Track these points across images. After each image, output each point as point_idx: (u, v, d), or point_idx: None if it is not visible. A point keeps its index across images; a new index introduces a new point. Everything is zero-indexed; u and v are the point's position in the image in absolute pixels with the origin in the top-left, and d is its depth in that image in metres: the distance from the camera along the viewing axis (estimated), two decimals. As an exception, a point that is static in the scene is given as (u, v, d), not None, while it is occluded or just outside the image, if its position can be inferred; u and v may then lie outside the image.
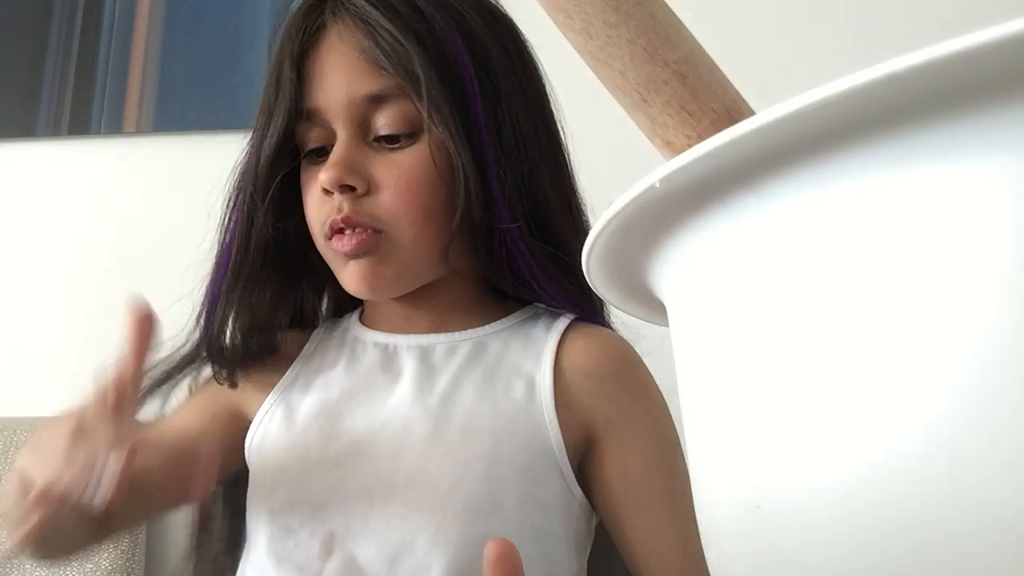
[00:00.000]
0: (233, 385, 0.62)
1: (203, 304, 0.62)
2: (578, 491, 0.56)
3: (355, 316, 0.65)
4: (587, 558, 0.59)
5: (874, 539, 0.18)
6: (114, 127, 1.31)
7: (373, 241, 0.55)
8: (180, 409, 0.64)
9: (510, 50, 0.60)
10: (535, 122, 0.59)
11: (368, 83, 0.55)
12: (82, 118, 1.32)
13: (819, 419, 0.19)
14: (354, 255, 0.56)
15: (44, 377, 1.25)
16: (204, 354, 0.62)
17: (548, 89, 0.63)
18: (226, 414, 0.62)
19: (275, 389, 0.62)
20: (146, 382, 0.60)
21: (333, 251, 0.57)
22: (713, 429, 0.23)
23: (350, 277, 0.57)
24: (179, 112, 1.31)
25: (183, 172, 1.29)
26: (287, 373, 0.63)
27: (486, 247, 0.57)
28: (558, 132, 0.62)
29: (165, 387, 0.62)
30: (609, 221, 0.24)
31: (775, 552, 0.21)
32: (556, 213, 0.58)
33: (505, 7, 0.63)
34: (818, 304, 0.19)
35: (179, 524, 1.20)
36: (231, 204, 0.62)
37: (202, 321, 0.62)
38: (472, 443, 0.54)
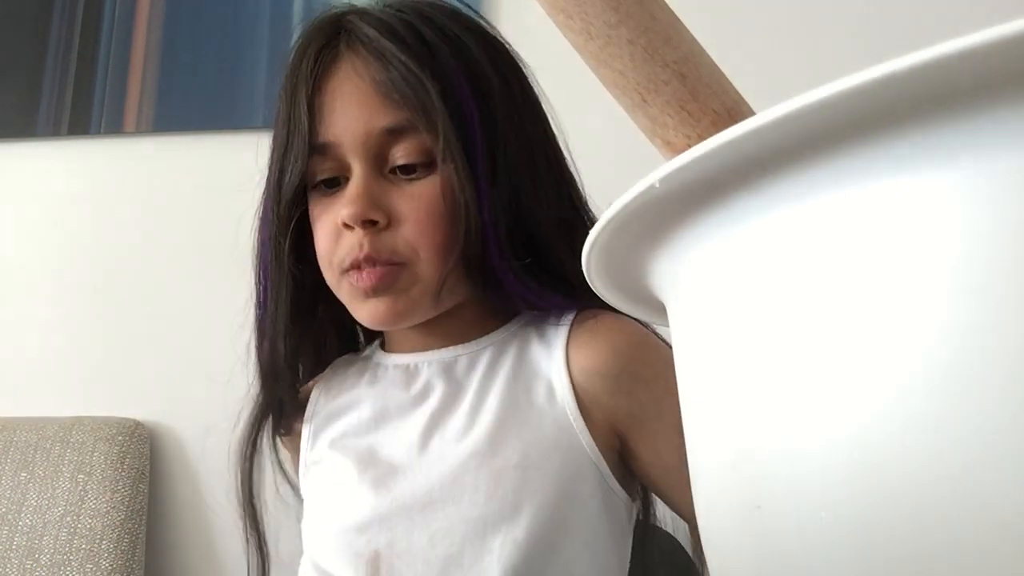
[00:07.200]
0: (289, 431, 0.64)
1: (254, 344, 0.63)
2: (616, 485, 0.57)
3: (376, 345, 0.66)
4: (629, 548, 0.60)
5: (874, 541, 0.18)
6: (114, 127, 1.32)
7: (393, 276, 0.55)
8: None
9: (509, 77, 0.59)
10: (531, 148, 0.59)
11: (384, 116, 0.55)
12: (82, 118, 1.32)
13: (819, 420, 0.19)
14: (373, 293, 0.56)
15: (43, 377, 1.25)
16: (261, 395, 0.63)
17: (547, 108, 0.63)
18: None
19: (305, 421, 0.64)
20: (242, 455, 0.64)
21: (350, 286, 0.57)
22: (712, 430, 0.23)
23: (367, 314, 0.57)
24: (179, 112, 1.31)
25: (183, 172, 1.29)
26: (310, 403, 0.64)
27: (481, 276, 0.57)
28: (555, 153, 0.62)
29: (255, 451, 0.65)
30: (609, 221, 0.24)
31: (775, 553, 0.21)
32: (551, 236, 0.58)
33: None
34: (818, 305, 0.19)
35: (179, 524, 1.20)
36: (259, 245, 0.62)
37: (256, 361, 0.63)
38: (502, 453, 0.54)
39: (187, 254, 1.25)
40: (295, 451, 0.65)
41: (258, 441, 0.64)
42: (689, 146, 0.22)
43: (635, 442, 0.57)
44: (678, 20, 0.27)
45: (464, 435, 0.56)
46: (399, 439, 0.58)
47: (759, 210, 0.21)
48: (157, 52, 1.33)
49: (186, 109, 1.31)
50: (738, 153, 0.19)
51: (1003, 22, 0.15)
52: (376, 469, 0.57)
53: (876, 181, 0.18)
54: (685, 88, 0.26)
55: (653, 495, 0.64)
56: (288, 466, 0.67)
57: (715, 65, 0.27)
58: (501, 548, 0.52)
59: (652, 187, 0.21)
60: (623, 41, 0.26)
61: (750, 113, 0.26)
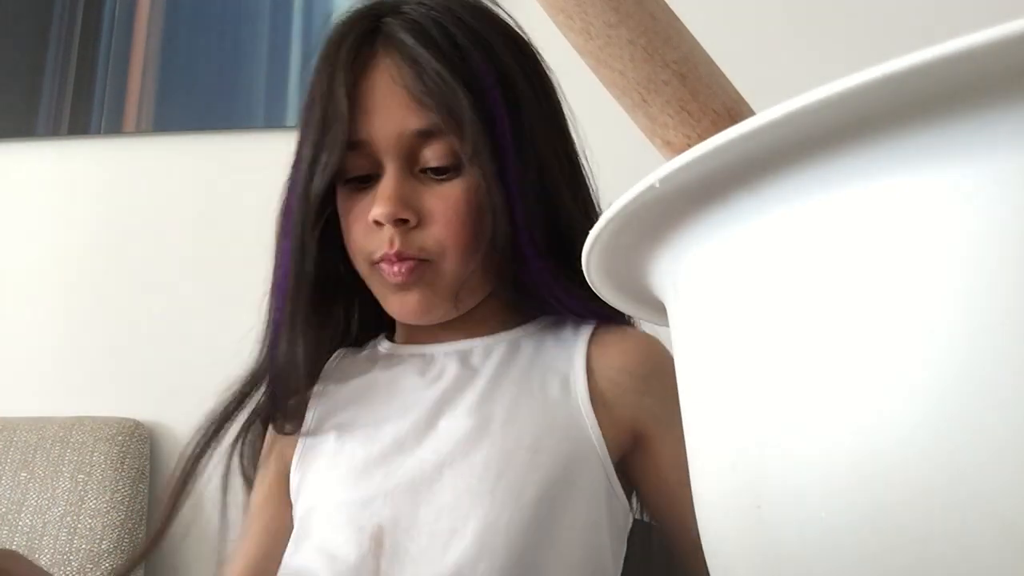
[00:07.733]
0: (296, 428, 0.63)
1: (268, 336, 0.63)
2: (618, 488, 0.58)
3: (382, 339, 0.67)
4: (623, 555, 0.60)
5: (875, 541, 0.18)
6: (114, 127, 1.31)
7: (420, 271, 0.57)
8: (256, 509, 0.65)
9: (533, 79, 0.61)
10: (556, 148, 0.61)
11: (417, 119, 0.56)
12: (82, 118, 1.32)
13: (819, 420, 0.19)
14: (403, 287, 0.58)
15: (43, 377, 1.25)
16: (270, 390, 0.63)
17: (566, 108, 0.64)
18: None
19: (308, 407, 0.63)
20: (207, 429, 0.62)
21: (382, 278, 0.59)
22: (712, 430, 0.23)
23: (397, 307, 0.59)
24: (179, 112, 1.31)
25: (183, 172, 1.29)
26: (314, 389, 0.64)
27: (510, 276, 0.59)
28: (576, 151, 0.64)
29: (223, 431, 0.63)
30: (609, 221, 0.24)
31: (775, 554, 0.21)
32: (581, 234, 0.58)
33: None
34: (819, 306, 0.19)
35: (179, 524, 1.20)
36: (282, 232, 0.62)
37: (268, 352, 0.62)
38: (514, 435, 0.56)
39: (187, 254, 1.25)
40: (283, 446, 0.64)
41: (240, 433, 0.63)
42: (689, 146, 0.22)
43: (656, 441, 0.58)
44: (678, 20, 0.27)
45: (475, 414, 0.57)
46: (407, 418, 0.59)
47: (759, 210, 0.21)
48: (157, 52, 1.33)
49: (186, 109, 1.31)
50: (738, 153, 0.19)
51: (1003, 22, 0.15)
52: (382, 446, 0.58)
53: (876, 181, 0.18)
54: (685, 88, 0.26)
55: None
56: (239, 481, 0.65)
57: (715, 65, 0.27)
58: (507, 526, 0.53)
59: (652, 187, 0.21)
60: (623, 41, 0.26)
61: (750, 113, 0.26)
